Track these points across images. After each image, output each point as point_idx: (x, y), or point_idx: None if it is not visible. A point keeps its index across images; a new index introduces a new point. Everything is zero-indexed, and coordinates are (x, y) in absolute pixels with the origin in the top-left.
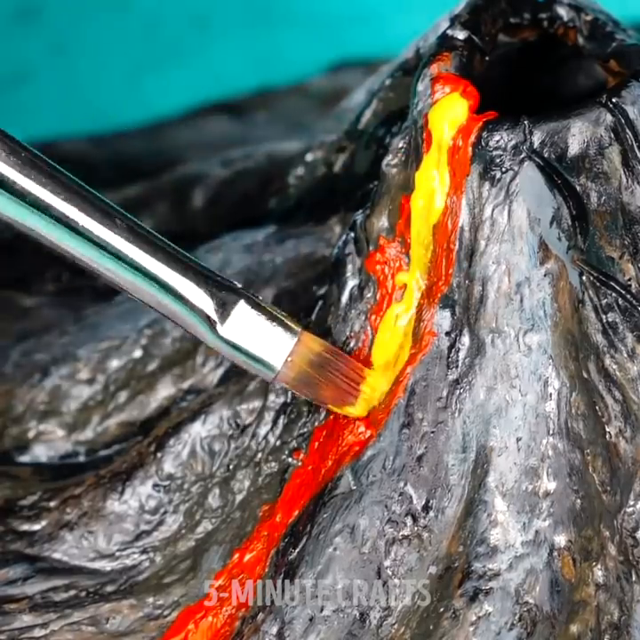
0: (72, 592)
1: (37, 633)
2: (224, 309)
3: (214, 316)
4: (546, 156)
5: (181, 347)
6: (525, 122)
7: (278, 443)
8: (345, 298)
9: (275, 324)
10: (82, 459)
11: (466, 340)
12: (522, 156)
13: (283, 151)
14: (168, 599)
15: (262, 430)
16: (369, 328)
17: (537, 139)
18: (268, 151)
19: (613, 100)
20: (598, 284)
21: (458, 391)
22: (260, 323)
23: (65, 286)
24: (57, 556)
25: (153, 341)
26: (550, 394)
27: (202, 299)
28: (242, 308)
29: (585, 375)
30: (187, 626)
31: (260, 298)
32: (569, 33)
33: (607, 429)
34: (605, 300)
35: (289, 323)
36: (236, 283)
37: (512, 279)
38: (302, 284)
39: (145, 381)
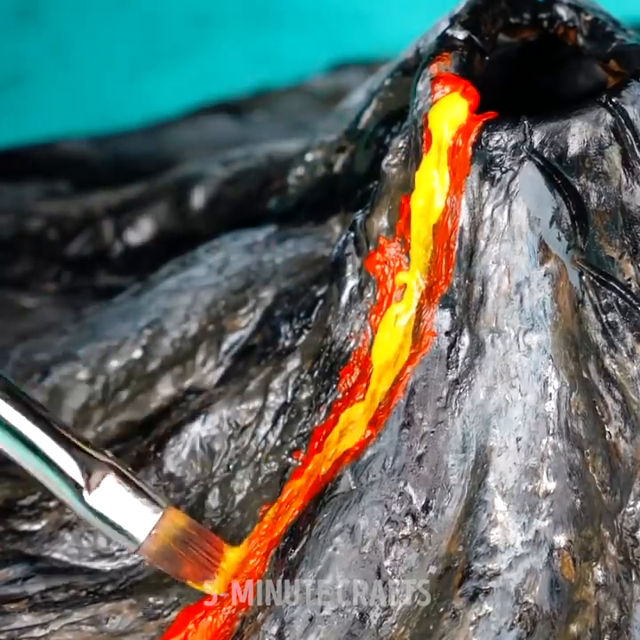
0: (72, 592)
1: (37, 633)
2: (93, 478)
3: (82, 484)
4: (546, 155)
5: (181, 347)
6: (525, 122)
7: (278, 443)
8: (345, 298)
9: (142, 496)
10: None
11: (466, 339)
12: (522, 155)
13: (283, 151)
14: (168, 599)
15: (262, 430)
16: (369, 328)
17: (537, 139)
18: (268, 151)
19: (613, 100)
20: (598, 283)
21: (458, 391)
22: (127, 494)
23: (65, 286)
24: (57, 555)
25: (153, 341)
26: (550, 394)
27: (71, 466)
28: (111, 478)
29: (585, 375)
30: (187, 626)
31: (130, 469)
32: (569, 33)
33: (607, 429)
34: (605, 300)
35: (155, 497)
36: (106, 452)
37: (512, 279)
38: (302, 284)
39: (145, 381)
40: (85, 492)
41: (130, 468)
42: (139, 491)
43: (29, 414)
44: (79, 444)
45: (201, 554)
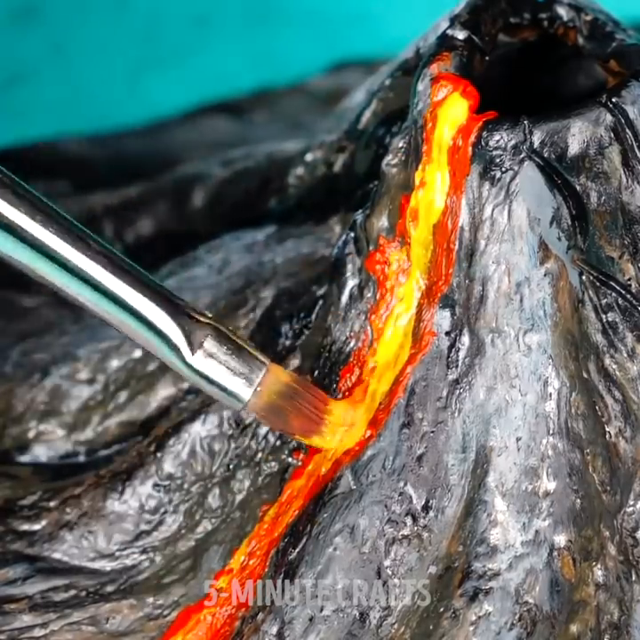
0: (72, 592)
1: (37, 633)
2: (195, 339)
3: (184, 346)
4: (546, 155)
5: None
6: (525, 122)
7: (278, 442)
8: (345, 298)
9: (244, 354)
10: (82, 459)
11: (466, 339)
12: (522, 155)
13: (283, 151)
14: (168, 599)
15: (262, 430)
16: (369, 328)
17: (537, 138)
18: (268, 151)
19: (613, 100)
20: (598, 283)
21: (458, 391)
22: (229, 353)
23: None
24: (57, 555)
25: None
26: (550, 394)
27: (172, 328)
28: (212, 338)
29: (585, 375)
30: (186, 626)
31: (230, 328)
32: (569, 33)
33: (607, 429)
34: (605, 300)
35: (257, 354)
36: (207, 313)
37: (512, 279)
38: (302, 284)
39: (145, 381)
40: (188, 354)
41: (230, 327)
42: (240, 349)
43: (124, 274)
44: (178, 302)
45: (307, 407)
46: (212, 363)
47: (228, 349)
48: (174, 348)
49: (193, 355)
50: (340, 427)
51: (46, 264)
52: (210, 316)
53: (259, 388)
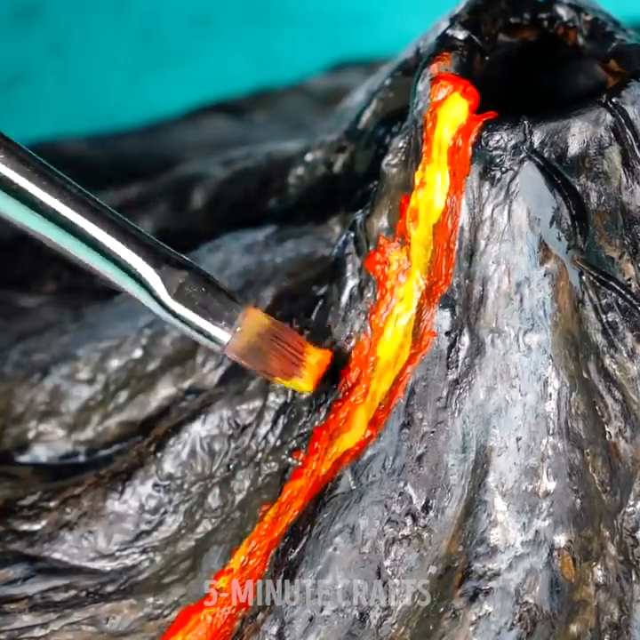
0: (72, 592)
1: (37, 633)
2: (172, 281)
3: (161, 288)
4: (546, 155)
5: (181, 347)
6: (525, 122)
7: (278, 443)
8: (345, 298)
9: (222, 296)
10: (82, 459)
11: (466, 339)
12: (522, 155)
13: (283, 151)
14: (168, 599)
15: (262, 430)
16: (369, 328)
17: (537, 139)
18: (268, 151)
19: (613, 100)
20: (598, 283)
21: (458, 391)
22: (208, 295)
23: (65, 286)
24: (57, 555)
25: (153, 341)
26: (550, 394)
27: (148, 271)
28: (190, 280)
29: (585, 375)
30: (186, 626)
31: (207, 272)
32: (569, 33)
33: (607, 429)
34: (605, 300)
35: (235, 296)
36: (183, 256)
37: (512, 279)
38: (302, 284)
39: (145, 381)
40: (165, 296)
41: (205, 270)
42: (218, 291)
43: (100, 219)
44: (154, 245)
45: (287, 349)
46: (190, 305)
47: (207, 291)
48: (151, 291)
49: (171, 297)
50: (319, 369)
51: (21, 209)
52: (187, 259)
53: (239, 329)
